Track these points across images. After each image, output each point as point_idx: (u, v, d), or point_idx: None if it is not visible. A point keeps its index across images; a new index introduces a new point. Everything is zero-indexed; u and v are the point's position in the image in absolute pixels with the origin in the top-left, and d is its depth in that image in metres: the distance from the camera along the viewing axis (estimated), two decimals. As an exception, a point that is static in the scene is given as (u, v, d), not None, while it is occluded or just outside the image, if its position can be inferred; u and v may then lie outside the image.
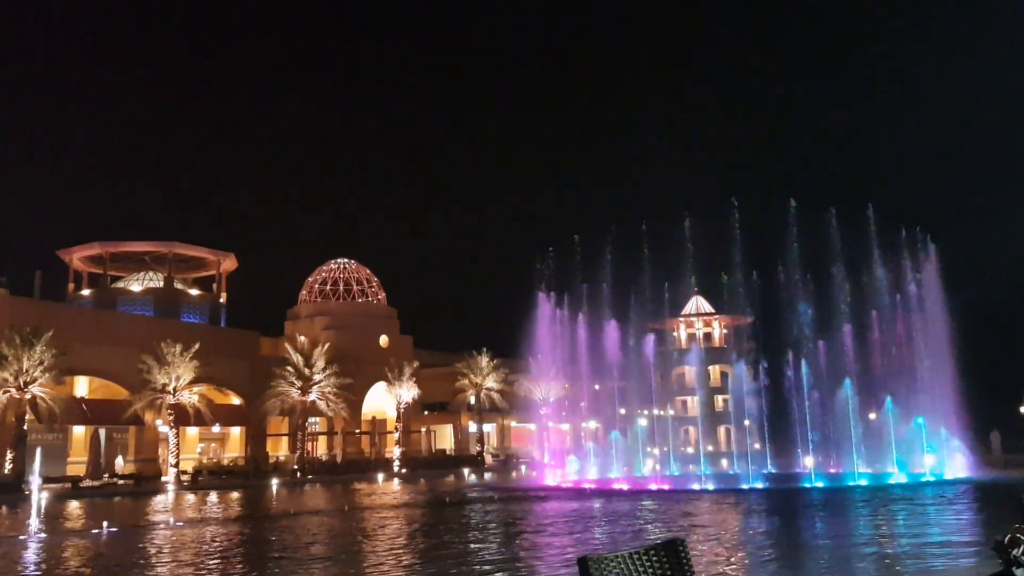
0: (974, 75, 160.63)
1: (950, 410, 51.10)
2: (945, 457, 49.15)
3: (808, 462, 52.12)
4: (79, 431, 64.40)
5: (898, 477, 46.67)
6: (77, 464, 60.36)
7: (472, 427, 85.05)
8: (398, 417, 76.69)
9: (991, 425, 63.42)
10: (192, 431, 70.65)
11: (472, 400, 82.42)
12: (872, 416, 55.56)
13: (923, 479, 46.05)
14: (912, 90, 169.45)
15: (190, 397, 60.24)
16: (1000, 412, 68.12)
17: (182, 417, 60.42)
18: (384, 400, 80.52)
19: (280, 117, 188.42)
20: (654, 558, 4.50)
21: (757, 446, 59.94)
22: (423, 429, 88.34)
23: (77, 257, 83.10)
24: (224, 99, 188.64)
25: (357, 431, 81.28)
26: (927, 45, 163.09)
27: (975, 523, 26.52)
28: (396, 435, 76.20)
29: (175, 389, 59.58)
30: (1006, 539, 3.85)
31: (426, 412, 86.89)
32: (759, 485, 45.28)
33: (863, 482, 45.01)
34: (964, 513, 30.24)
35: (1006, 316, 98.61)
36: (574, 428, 78.01)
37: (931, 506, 32.06)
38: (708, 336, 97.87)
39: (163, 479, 59.25)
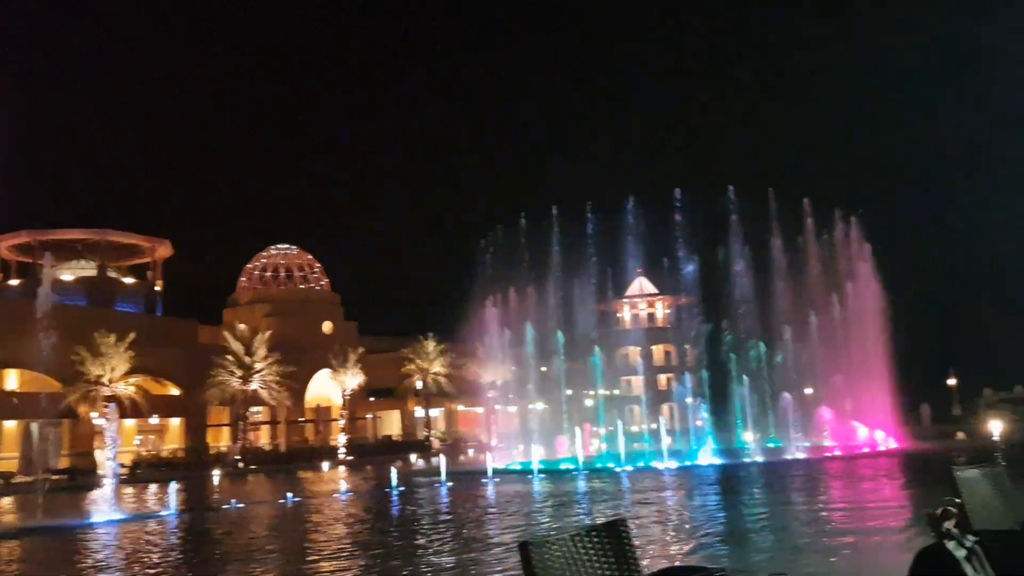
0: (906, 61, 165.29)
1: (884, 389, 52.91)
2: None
3: (748, 437, 53.46)
4: (10, 425, 62.40)
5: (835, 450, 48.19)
6: (8, 459, 58.38)
7: (419, 412, 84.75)
8: (344, 404, 75.97)
9: (921, 399, 66.02)
10: (129, 423, 68.90)
11: (419, 385, 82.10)
12: (809, 391, 57.25)
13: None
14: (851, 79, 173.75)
15: (126, 388, 58.83)
16: (929, 386, 70.97)
17: (118, 409, 59.01)
18: (329, 387, 79.66)
19: (214, 98, 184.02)
20: (595, 539, 4.49)
21: (699, 423, 61.24)
22: (369, 416, 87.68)
23: (5, 246, 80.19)
24: (156, 81, 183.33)
25: (301, 419, 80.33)
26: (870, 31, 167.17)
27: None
28: (341, 422, 75.51)
29: (110, 380, 58.09)
30: (938, 512, 3.92)
31: (372, 398, 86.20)
32: (701, 461, 46.25)
33: (800, 455, 46.41)
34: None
35: (935, 294, 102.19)
36: (521, 411, 78.38)
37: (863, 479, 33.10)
38: (651, 316, 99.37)
39: (99, 472, 57.76)
